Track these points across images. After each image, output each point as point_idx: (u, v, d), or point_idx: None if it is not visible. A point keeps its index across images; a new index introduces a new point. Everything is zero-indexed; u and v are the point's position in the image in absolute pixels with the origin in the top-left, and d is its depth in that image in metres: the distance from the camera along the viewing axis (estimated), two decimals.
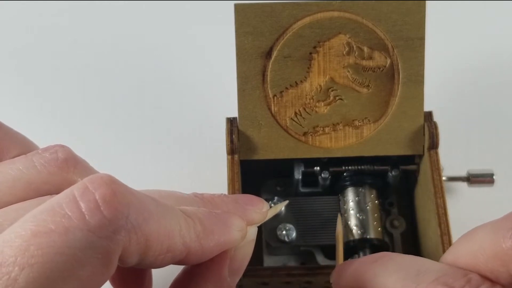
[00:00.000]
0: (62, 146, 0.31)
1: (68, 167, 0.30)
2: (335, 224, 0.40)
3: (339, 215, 0.38)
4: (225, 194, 0.34)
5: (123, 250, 0.25)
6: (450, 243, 0.37)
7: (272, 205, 0.39)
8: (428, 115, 0.40)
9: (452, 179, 0.45)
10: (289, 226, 0.41)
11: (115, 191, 0.25)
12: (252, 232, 0.32)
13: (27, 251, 0.23)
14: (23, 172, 0.29)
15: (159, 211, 0.27)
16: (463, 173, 0.45)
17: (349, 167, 0.41)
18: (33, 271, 0.23)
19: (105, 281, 0.25)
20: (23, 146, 0.32)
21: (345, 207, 0.41)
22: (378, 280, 0.28)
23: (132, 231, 0.25)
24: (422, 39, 0.38)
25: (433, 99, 0.41)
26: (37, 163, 0.29)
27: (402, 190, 0.43)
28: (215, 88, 0.52)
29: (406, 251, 0.42)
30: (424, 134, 0.40)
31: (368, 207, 0.40)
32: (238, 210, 0.32)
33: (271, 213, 0.35)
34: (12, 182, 0.29)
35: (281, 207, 0.36)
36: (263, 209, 0.34)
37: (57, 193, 0.26)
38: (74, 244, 0.24)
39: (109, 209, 0.25)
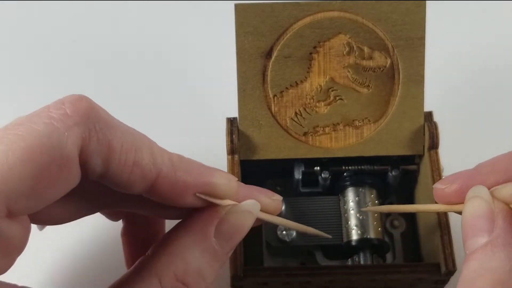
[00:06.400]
0: None
1: None
2: (335, 224, 0.40)
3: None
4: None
5: (82, 146, 0.27)
6: (450, 243, 0.37)
7: None
8: (428, 115, 0.40)
9: None
10: None
11: (89, 101, 0.28)
12: (249, 203, 0.32)
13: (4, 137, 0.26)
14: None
15: (129, 130, 0.29)
16: None
17: (349, 167, 0.41)
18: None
19: (66, 179, 0.27)
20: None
21: (345, 207, 0.41)
22: None
23: (93, 129, 0.27)
24: (422, 39, 0.38)
25: (433, 99, 0.41)
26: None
27: (402, 190, 0.43)
28: (215, 88, 0.52)
29: (406, 251, 0.42)
30: (424, 134, 0.40)
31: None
32: (245, 188, 0.33)
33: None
34: None
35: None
36: (274, 197, 0.33)
37: None
38: (38, 133, 0.26)
39: (72, 107, 0.27)
